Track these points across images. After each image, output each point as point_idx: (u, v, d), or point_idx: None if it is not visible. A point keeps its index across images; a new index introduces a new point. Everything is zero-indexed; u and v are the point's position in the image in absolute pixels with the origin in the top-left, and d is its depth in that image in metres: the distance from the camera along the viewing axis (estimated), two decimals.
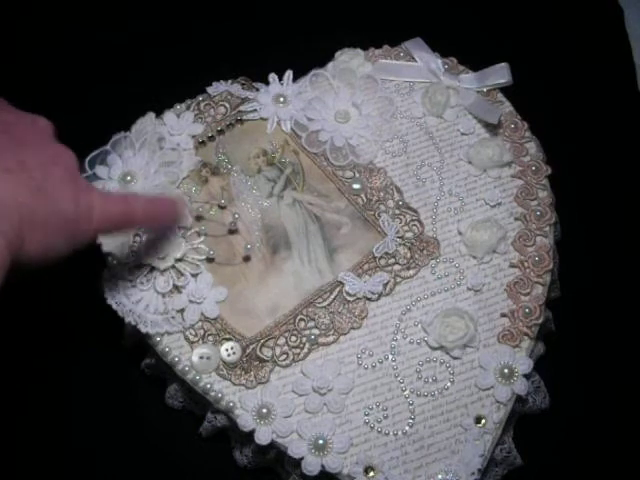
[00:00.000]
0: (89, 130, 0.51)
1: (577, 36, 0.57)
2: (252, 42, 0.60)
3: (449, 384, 0.46)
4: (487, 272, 0.49)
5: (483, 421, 0.45)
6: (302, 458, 0.44)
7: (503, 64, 0.53)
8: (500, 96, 0.54)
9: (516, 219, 0.50)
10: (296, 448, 0.44)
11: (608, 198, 0.56)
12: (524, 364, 0.46)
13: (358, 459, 0.44)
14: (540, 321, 0.47)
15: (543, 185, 0.51)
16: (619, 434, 0.50)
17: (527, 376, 0.46)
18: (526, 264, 0.49)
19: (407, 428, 0.45)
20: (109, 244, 0.48)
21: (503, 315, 0.48)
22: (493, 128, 0.52)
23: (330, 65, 0.55)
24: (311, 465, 0.44)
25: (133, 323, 0.46)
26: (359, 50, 0.55)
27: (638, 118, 0.60)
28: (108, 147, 0.51)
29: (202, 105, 0.53)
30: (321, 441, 0.44)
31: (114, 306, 0.46)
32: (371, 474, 0.44)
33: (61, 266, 0.51)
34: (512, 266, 0.49)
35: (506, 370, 0.46)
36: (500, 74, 0.53)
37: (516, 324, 0.47)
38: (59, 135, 0.40)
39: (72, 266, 0.50)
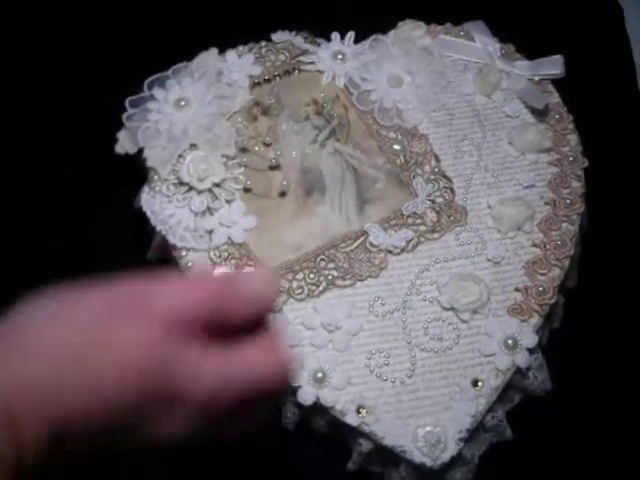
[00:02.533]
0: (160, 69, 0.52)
1: (577, 36, 0.55)
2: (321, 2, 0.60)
3: (453, 344, 0.45)
4: (509, 247, 0.48)
5: (480, 384, 0.44)
6: (299, 387, 0.43)
7: (557, 56, 0.52)
8: (550, 87, 0.53)
9: (546, 203, 0.49)
10: (295, 376, 0.44)
11: (608, 198, 0.54)
12: (529, 338, 0.45)
13: (353, 398, 0.43)
14: (552, 301, 0.46)
15: (577, 176, 0.50)
16: (617, 430, 0.48)
17: (531, 351, 0.45)
18: (548, 246, 0.48)
19: (405, 378, 0.44)
20: (154, 159, 0.48)
21: (517, 289, 0.46)
22: (538, 115, 0.52)
23: (392, 33, 0.54)
24: (307, 395, 0.43)
25: (163, 233, 0.46)
26: (421, 23, 0.55)
27: (638, 118, 0.58)
28: (169, 72, 0.51)
29: (264, 50, 0.53)
30: (320, 374, 0.43)
31: (148, 214, 0.47)
32: (363, 413, 0.43)
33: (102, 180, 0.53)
34: (534, 245, 0.48)
35: (510, 341, 0.45)
36: (553, 65, 0.52)
37: (528, 300, 0.46)
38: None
39: (112, 179, 0.52)
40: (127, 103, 0.50)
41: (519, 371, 0.45)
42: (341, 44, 0.53)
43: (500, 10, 0.57)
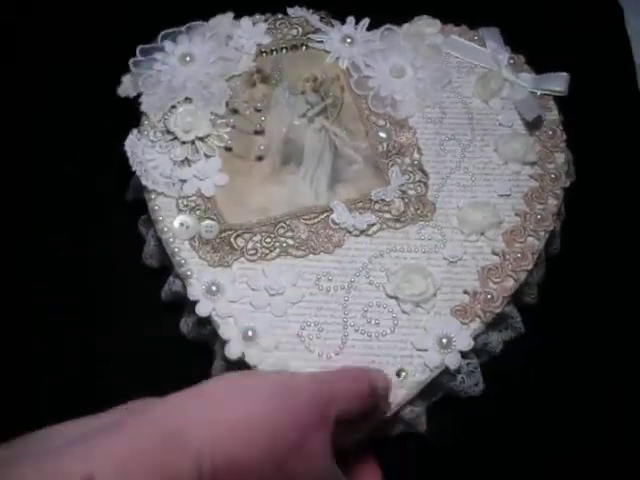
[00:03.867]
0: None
1: (577, 36, 0.53)
2: None
3: (388, 332, 0.44)
4: (468, 250, 0.46)
5: (403, 374, 0.43)
6: (228, 341, 0.44)
7: (564, 74, 0.51)
8: (551, 103, 0.51)
9: (516, 214, 0.47)
10: (227, 330, 0.44)
11: (608, 199, 0.53)
12: (464, 341, 0.44)
13: (277, 362, 0.43)
14: (498, 310, 0.44)
15: (555, 194, 0.48)
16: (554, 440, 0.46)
17: (464, 354, 0.44)
18: (507, 256, 0.46)
19: (332, 354, 0.44)
20: (148, 105, 0.50)
21: (465, 292, 0.45)
22: (531, 128, 0.50)
23: (405, 26, 0.54)
24: (234, 350, 0.43)
25: (138, 174, 0.47)
26: (437, 21, 0.54)
27: (638, 118, 0.56)
28: (183, 29, 0.52)
29: (278, 22, 0.54)
30: (251, 333, 0.43)
31: (129, 154, 0.48)
32: None
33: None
34: (494, 253, 0.46)
35: (445, 340, 0.44)
36: (558, 82, 0.51)
37: (474, 304, 0.45)
38: None
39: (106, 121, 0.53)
40: (138, 50, 0.51)
41: (448, 371, 0.44)
42: (353, 29, 0.53)
43: (499, 10, 0.55)
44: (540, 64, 0.52)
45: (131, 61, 0.51)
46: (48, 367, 0.48)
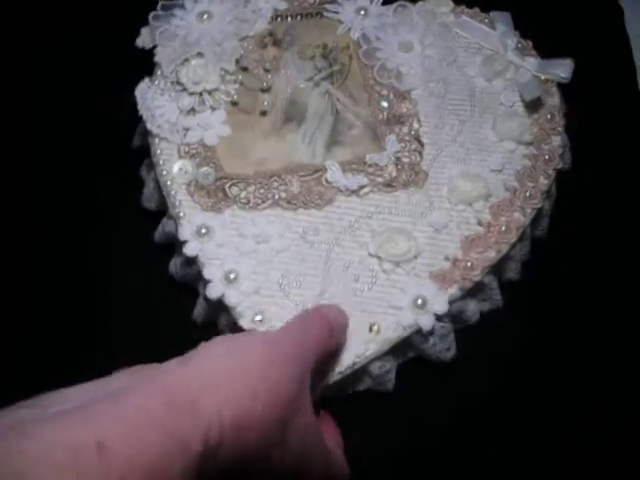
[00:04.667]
0: None
1: (577, 36, 0.52)
2: None
3: (366, 289, 0.45)
4: (454, 219, 0.47)
5: (376, 330, 0.44)
6: (210, 281, 0.45)
7: (568, 60, 0.51)
8: (554, 89, 0.51)
9: (506, 189, 0.48)
10: (210, 271, 0.45)
11: (607, 199, 0.52)
12: (440, 304, 0.44)
13: (255, 305, 0.44)
14: (477, 279, 0.45)
15: (547, 174, 0.48)
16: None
17: (438, 317, 0.44)
18: (492, 229, 0.46)
19: (310, 304, 0.44)
20: (162, 56, 0.51)
21: (446, 259, 0.46)
22: (531, 110, 0.50)
23: (419, 4, 0.54)
24: (215, 291, 0.44)
25: (145, 118, 0.49)
26: (450, 1, 0.55)
27: (638, 118, 0.55)
28: None
29: None
30: (233, 275, 0.45)
31: (138, 99, 0.50)
32: (258, 319, 0.44)
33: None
34: (479, 224, 0.47)
35: (420, 301, 0.44)
36: (562, 68, 0.51)
37: (453, 271, 0.45)
38: None
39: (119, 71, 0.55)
40: (159, 5, 0.53)
41: (420, 332, 0.44)
42: (369, 2, 0.54)
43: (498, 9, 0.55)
44: None
45: (151, 15, 0.53)
46: (47, 308, 0.49)
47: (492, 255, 0.46)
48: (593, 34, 0.57)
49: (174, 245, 0.48)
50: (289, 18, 0.54)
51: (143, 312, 0.49)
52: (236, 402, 0.31)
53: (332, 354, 0.41)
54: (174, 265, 0.48)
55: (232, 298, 0.44)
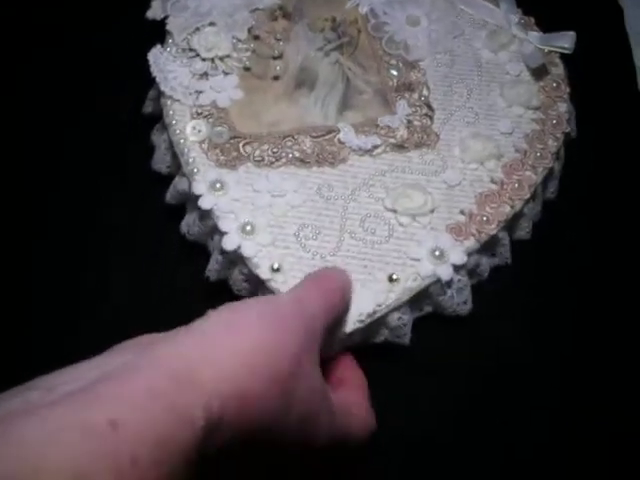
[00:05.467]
0: None
1: (577, 36, 0.52)
2: None
3: (383, 241, 0.44)
4: (467, 176, 0.47)
5: (395, 279, 0.43)
6: (227, 233, 0.44)
7: (571, 33, 0.52)
8: (557, 60, 0.52)
9: (516, 151, 0.48)
10: (225, 224, 0.44)
11: (607, 199, 0.52)
12: (458, 255, 0.44)
13: (272, 256, 0.43)
14: (493, 232, 0.45)
15: (556, 137, 0.49)
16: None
17: (456, 268, 0.44)
18: (505, 186, 0.46)
19: (327, 254, 0.44)
20: (173, 25, 0.51)
21: (462, 213, 0.45)
22: (537, 78, 0.51)
23: None
24: (231, 242, 0.43)
25: (158, 80, 0.49)
26: None
27: (638, 119, 0.56)
28: None
29: None
30: (249, 227, 0.44)
31: (151, 62, 0.49)
32: (276, 267, 0.43)
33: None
34: (492, 182, 0.47)
35: (438, 252, 0.44)
36: (564, 40, 0.52)
37: (469, 225, 0.45)
38: None
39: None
40: None
41: (439, 283, 0.44)
42: None
43: None
44: None
45: None
46: (56, 274, 0.48)
47: (507, 210, 0.46)
48: (592, 33, 0.58)
49: (185, 206, 0.48)
50: None
51: (155, 274, 0.48)
52: (234, 378, 0.30)
53: (342, 315, 0.41)
54: (186, 224, 0.47)
55: (248, 249, 0.43)
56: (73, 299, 0.47)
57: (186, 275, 0.48)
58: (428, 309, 0.45)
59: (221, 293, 0.45)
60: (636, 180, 0.53)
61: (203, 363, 0.30)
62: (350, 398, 0.40)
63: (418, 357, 0.45)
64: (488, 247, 0.46)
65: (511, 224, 0.47)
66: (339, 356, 0.42)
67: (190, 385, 0.28)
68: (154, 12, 0.53)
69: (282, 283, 0.42)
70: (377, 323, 0.43)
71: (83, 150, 0.53)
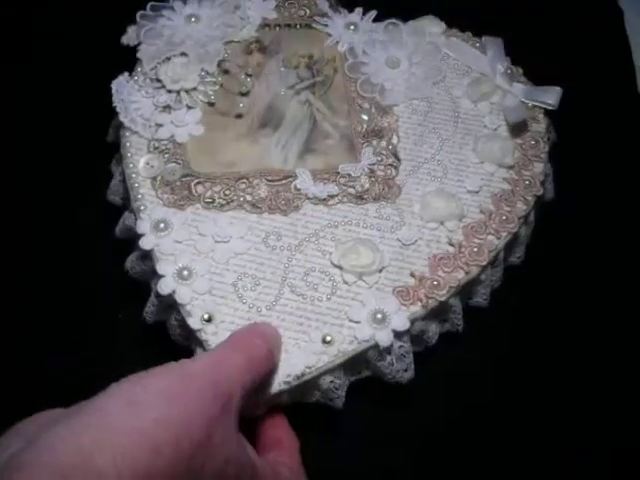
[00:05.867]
0: None
1: (577, 37, 0.52)
2: None
3: (324, 299, 0.42)
4: (424, 236, 0.45)
5: (329, 339, 0.41)
6: (163, 276, 0.42)
7: (557, 88, 0.49)
8: (540, 116, 0.49)
9: (481, 212, 0.45)
10: (163, 267, 0.42)
11: (607, 200, 0.51)
12: (400, 321, 0.41)
13: (205, 305, 0.42)
14: (442, 299, 0.42)
15: (526, 200, 0.46)
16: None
17: (397, 335, 0.41)
18: (463, 249, 0.44)
19: (263, 308, 0.42)
20: (144, 53, 0.50)
21: (412, 275, 0.43)
22: (515, 134, 0.48)
23: (410, 22, 0.53)
24: (166, 286, 0.42)
25: (118, 110, 0.48)
26: (442, 23, 0.54)
27: (638, 119, 0.54)
28: None
29: (287, 3, 0.54)
30: (186, 272, 0.42)
31: (113, 91, 0.48)
32: (206, 317, 0.41)
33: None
34: (450, 244, 0.44)
35: (379, 315, 0.41)
36: (549, 95, 0.49)
37: (418, 288, 0.42)
38: None
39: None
40: (149, 6, 0.52)
41: (377, 348, 0.41)
42: (359, 18, 0.53)
43: (498, 10, 0.54)
44: (539, 68, 0.51)
45: (139, 14, 0.52)
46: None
47: (460, 276, 0.43)
48: (592, 35, 0.57)
49: (134, 241, 0.46)
50: (277, 28, 0.53)
51: (95, 311, 0.47)
52: (134, 459, 0.28)
53: (268, 374, 0.39)
54: (130, 261, 0.46)
55: (183, 296, 0.42)
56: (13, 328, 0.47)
57: (127, 314, 0.46)
58: (366, 373, 0.43)
59: (159, 336, 0.44)
60: (636, 180, 0.51)
61: (99, 449, 0.28)
62: (280, 459, 0.38)
63: (349, 421, 0.43)
64: (437, 313, 0.44)
65: (466, 290, 0.44)
66: (270, 416, 0.41)
67: (84, 469, 0.27)
68: (129, 38, 0.52)
69: (212, 334, 0.41)
70: (307, 385, 0.41)
71: (48, 173, 0.52)
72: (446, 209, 0.45)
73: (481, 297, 0.45)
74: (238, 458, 0.33)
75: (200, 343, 0.41)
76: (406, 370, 0.42)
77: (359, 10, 0.54)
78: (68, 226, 0.50)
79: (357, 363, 0.42)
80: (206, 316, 0.41)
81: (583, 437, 0.44)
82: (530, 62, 0.52)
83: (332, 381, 0.41)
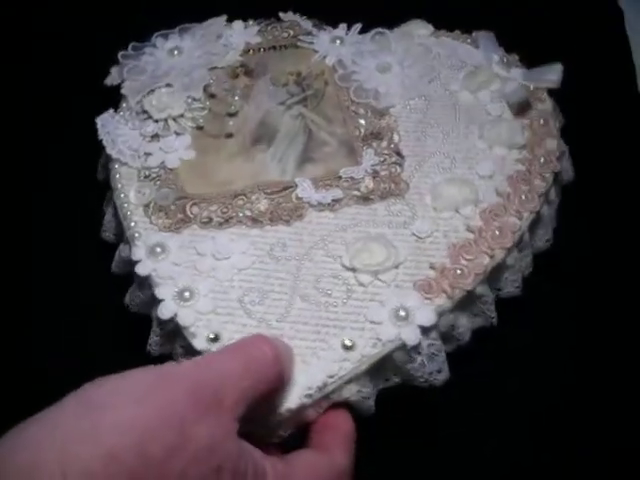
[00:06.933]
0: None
1: (577, 37, 0.50)
2: None
3: (340, 304, 0.38)
4: (440, 226, 0.41)
5: (351, 346, 0.36)
6: (162, 300, 0.39)
7: (558, 65, 0.46)
8: (544, 96, 0.46)
9: (498, 194, 0.42)
10: (162, 291, 0.39)
11: (607, 200, 0.48)
12: (426, 316, 0.37)
13: (211, 325, 0.38)
14: (468, 288, 0.38)
15: (543, 177, 0.42)
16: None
17: (424, 330, 0.37)
18: (484, 234, 0.40)
19: (274, 321, 0.38)
20: (129, 89, 0.48)
21: (432, 267, 0.39)
22: (521, 115, 0.45)
23: (397, 29, 0.52)
24: (167, 310, 0.38)
25: (104, 144, 0.45)
26: (430, 26, 0.52)
27: (638, 119, 0.51)
28: (175, 30, 0.52)
29: (269, 27, 0.53)
30: (188, 294, 0.39)
31: (98, 125, 0.46)
32: (212, 337, 0.37)
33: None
34: (469, 230, 0.40)
35: (402, 312, 0.37)
36: (550, 74, 0.46)
37: (440, 280, 0.38)
38: None
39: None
40: (130, 46, 0.51)
41: (404, 349, 0.37)
42: (344, 32, 0.51)
43: (497, 9, 0.52)
44: (539, 65, 0.48)
45: (120, 54, 0.51)
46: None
47: (486, 261, 0.39)
48: (593, 35, 0.55)
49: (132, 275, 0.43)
50: (262, 50, 0.51)
51: (96, 309, 0.45)
52: (86, 466, 0.25)
53: (276, 388, 0.34)
54: (129, 294, 0.42)
55: (185, 318, 0.38)
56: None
57: (129, 348, 0.42)
58: (396, 380, 0.38)
59: None
60: (636, 181, 0.49)
61: (47, 457, 0.25)
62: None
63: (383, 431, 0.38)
64: (466, 305, 0.39)
65: (494, 278, 0.40)
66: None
67: None
68: (112, 79, 0.50)
69: None
70: (332, 397, 0.36)
71: (48, 173, 0.51)
72: (460, 195, 0.41)
73: (512, 285, 0.41)
74: (236, 467, 0.29)
75: None
76: (439, 371, 0.38)
77: (343, 25, 0.52)
78: (68, 226, 0.48)
79: (384, 369, 0.37)
80: (212, 335, 0.37)
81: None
82: (530, 62, 0.49)
83: (359, 390, 0.36)
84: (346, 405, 0.37)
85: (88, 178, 0.50)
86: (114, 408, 0.26)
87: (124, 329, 0.43)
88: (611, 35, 0.56)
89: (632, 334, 0.44)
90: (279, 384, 0.34)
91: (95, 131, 0.48)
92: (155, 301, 0.39)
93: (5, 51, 0.58)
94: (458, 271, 0.39)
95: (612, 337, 0.43)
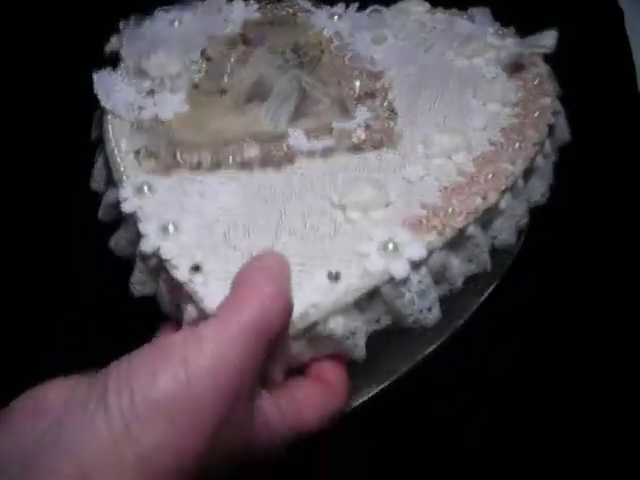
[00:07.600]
0: None
1: (577, 37, 0.49)
2: None
3: (327, 238, 0.37)
4: (431, 170, 0.40)
5: (335, 274, 0.35)
6: (146, 235, 0.37)
7: (552, 32, 0.46)
8: (539, 61, 0.46)
9: (491, 144, 0.41)
10: (146, 226, 0.38)
11: (607, 200, 0.47)
12: (415, 250, 0.35)
13: (194, 258, 0.36)
14: (459, 226, 0.37)
15: (537, 128, 0.41)
16: None
17: (414, 265, 0.35)
18: (475, 178, 0.39)
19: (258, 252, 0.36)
20: (127, 51, 0.49)
21: (423, 206, 0.38)
22: (516, 78, 0.45)
23: (393, 6, 0.52)
24: (150, 244, 0.37)
25: (99, 96, 0.45)
26: (427, 3, 0.52)
27: (638, 119, 0.51)
28: (176, 6, 0.53)
29: (269, 5, 0.53)
30: (172, 228, 0.37)
31: (95, 80, 0.46)
32: (195, 266, 0.35)
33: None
34: (460, 175, 0.39)
35: (391, 245, 0.36)
36: (544, 39, 0.46)
37: (431, 218, 0.37)
38: None
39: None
40: (131, 19, 0.52)
41: (393, 283, 0.35)
42: (342, 9, 0.52)
43: (496, 9, 0.52)
44: None
45: (121, 23, 0.51)
46: None
47: (477, 202, 0.38)
48: (592, 34, 0.55)
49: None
50: (261, 25, 0.52)
51: (96, 309, 0.44)
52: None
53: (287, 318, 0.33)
54: (114, 238, 0.41)
55: (168, 251, 0.37)
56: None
57: (128, 314, 0.41)
58: (386, 320, 0.36)
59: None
60: (636, 181, 0.47)
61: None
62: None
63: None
64: (458, 247, 0.38)
65: (487, 222, 0.39)
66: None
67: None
68: (112, 46, 0.50)
69: (202, 285, 0.35)
70: (319, 331, 0.34)
71: (48, 173, 0.51)
72: (452, 142, 0.41)
73: (507, 232, 0.40)
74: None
75: (190, 299, 0.35)
76: (430, 309, 0.36)
77: (341, 5, 0.53)
78: (68, 226, 0.48)
79: (374, 306, 0.36)
80: (194, 265, 0.36)
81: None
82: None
83: (346, 325, 0.34)
84: (336, 344, 0.35)
85: (88, 178, 0.49)
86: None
87: (124, 329, 0.42)
88: (611, 35, 0.57)
89: (629, 302, 0.42)
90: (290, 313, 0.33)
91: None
92: (139, 238, 0.38)
93: (5, 51, 0.59)
94: (450, 209, 0.37)
95: (609, 299, 0.42)
